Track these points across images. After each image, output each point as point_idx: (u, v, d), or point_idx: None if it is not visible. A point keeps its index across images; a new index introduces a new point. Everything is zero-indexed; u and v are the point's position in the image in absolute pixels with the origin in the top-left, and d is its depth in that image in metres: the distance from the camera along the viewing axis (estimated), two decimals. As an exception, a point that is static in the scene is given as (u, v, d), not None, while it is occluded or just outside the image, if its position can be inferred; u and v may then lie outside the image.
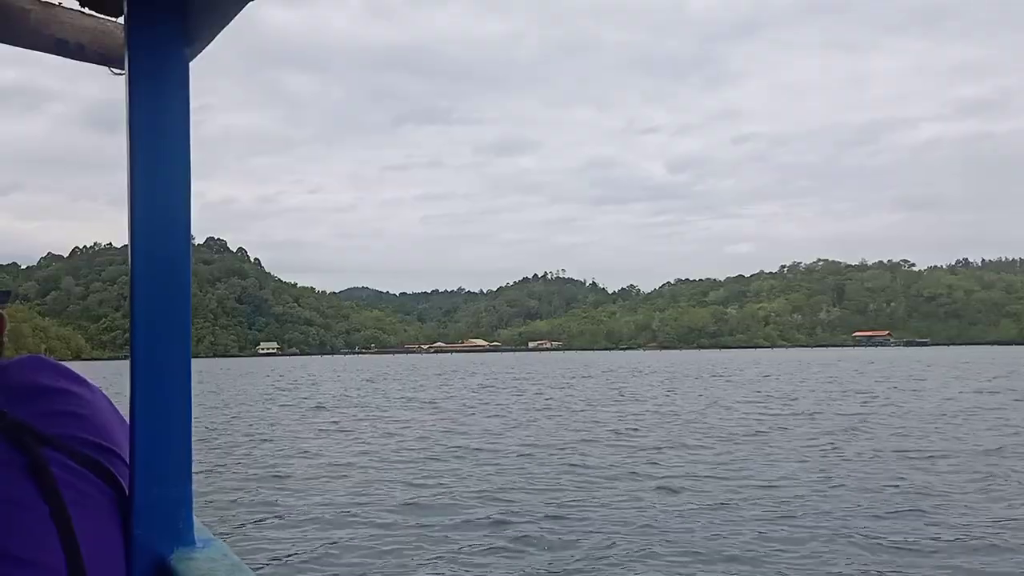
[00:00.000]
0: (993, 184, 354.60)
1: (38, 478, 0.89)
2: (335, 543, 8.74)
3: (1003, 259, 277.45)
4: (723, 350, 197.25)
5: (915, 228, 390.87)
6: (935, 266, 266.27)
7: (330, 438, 19.64)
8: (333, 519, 10.04)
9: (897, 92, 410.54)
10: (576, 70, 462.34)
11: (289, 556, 8.28)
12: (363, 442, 18.43)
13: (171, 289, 1.10)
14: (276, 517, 10.17)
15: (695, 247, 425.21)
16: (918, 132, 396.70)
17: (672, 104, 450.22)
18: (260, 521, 9.93)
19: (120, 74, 1.16)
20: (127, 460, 1.05)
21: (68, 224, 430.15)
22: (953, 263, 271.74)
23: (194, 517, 1.16)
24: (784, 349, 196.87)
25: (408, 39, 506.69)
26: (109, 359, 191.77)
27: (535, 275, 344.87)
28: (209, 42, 1.16)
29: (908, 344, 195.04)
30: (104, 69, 1.38)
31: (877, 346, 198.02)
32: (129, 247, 1.10)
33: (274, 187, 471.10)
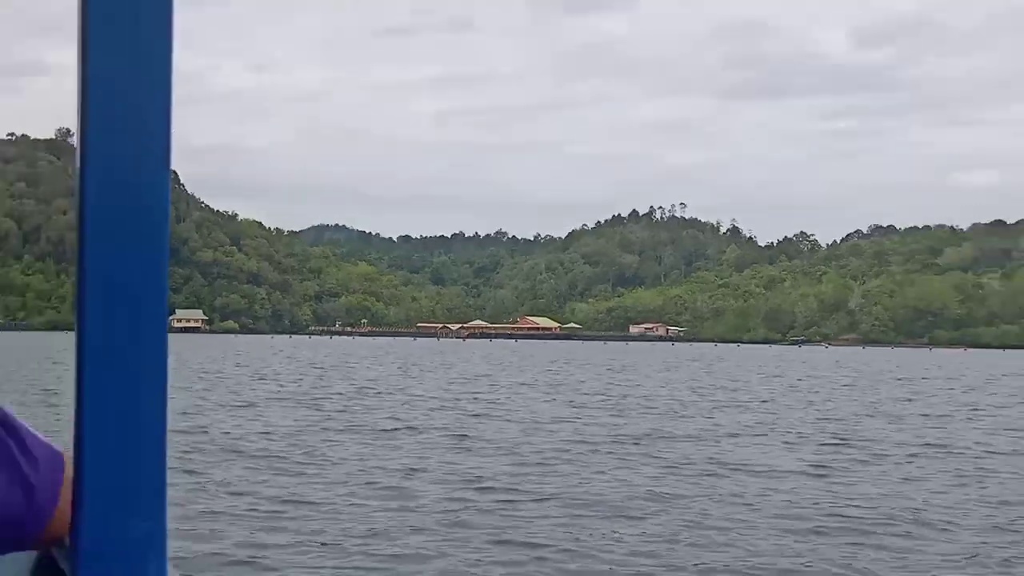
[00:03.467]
0: None
1: None
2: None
3: None
4: (980, 349, 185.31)
5: None
6: None
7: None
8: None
9: None
10: None
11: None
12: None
13: (141, 238, 1.12)
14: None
15: (904, 174, 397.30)
16: None
17: None
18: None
19: None
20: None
21: None
22: None
23: (168, 567, 1.19)
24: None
25: None
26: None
27: (634, 213, 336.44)
28: None
29: None
30: None
31: None
32: (78, 170, 1.10)
33: (200, 59, 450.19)
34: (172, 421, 7.01)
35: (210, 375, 53.61)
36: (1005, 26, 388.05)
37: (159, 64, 1.11)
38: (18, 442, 1.17)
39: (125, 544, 1.13)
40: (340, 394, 42.37)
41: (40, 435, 1.23)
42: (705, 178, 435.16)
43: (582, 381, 58.18)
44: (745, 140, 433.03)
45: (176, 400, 30.98)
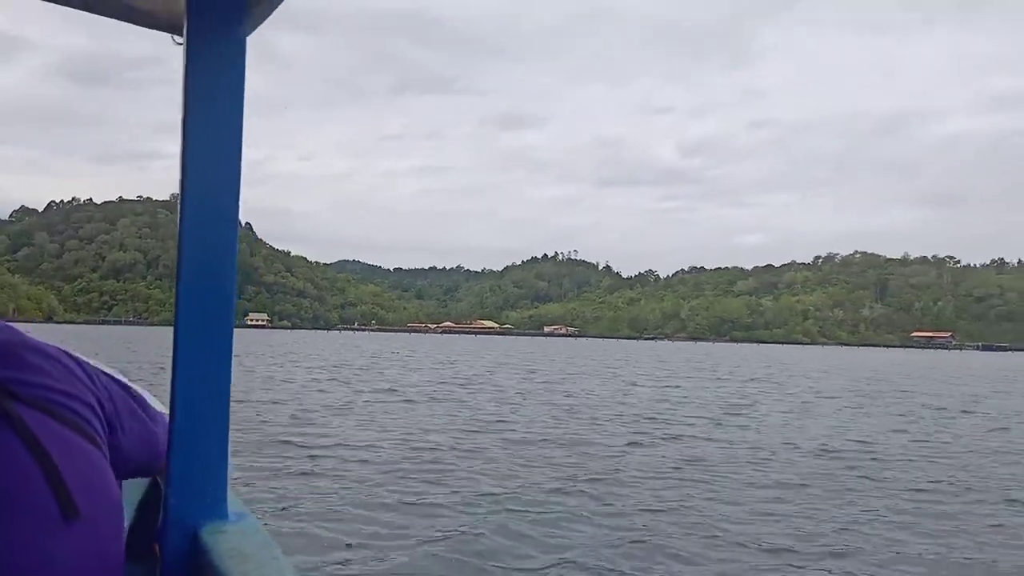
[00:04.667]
0: (1022, 183, 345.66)
1: (15, 430, 0.90)
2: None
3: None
4: (760, 344, 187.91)
5: (940, 225, 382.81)
6: (972, 265, 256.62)
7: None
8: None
9: (927, 82, 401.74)
10: (591, 43, 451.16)
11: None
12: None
13: (217, 263, 1.14)
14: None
15: (705, 235, 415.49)
16: (945, 124, 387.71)
17: (690, 84, 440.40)
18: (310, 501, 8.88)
19: (180, 43, 1.17)
20: (99, 414, 1.06)
21: (43, 179, 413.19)
22: (987, 262, 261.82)
23: (230, 491, 1.20)
24: (825, 347, 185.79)
25: (412, 2, 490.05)
26: (84, 323, 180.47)
27: (544, 255, 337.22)
28: (267, 16, 1.19)
29: (985, 348, 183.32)
30: (162, 35, 1.37)
31: (938, 348, 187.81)
32: (179, 219, 1.14)
33: (263, 151, 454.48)
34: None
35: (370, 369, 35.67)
36: (766, 143, 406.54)
37: (233, 152, 1.14)
38: (141, 404, 1.15)
39: (199, 476, 1.15)
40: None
41: (152, 399, 1.22)
42: (584, 235, 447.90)
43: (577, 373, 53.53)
44: (609, 212, 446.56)
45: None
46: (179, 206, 1.13)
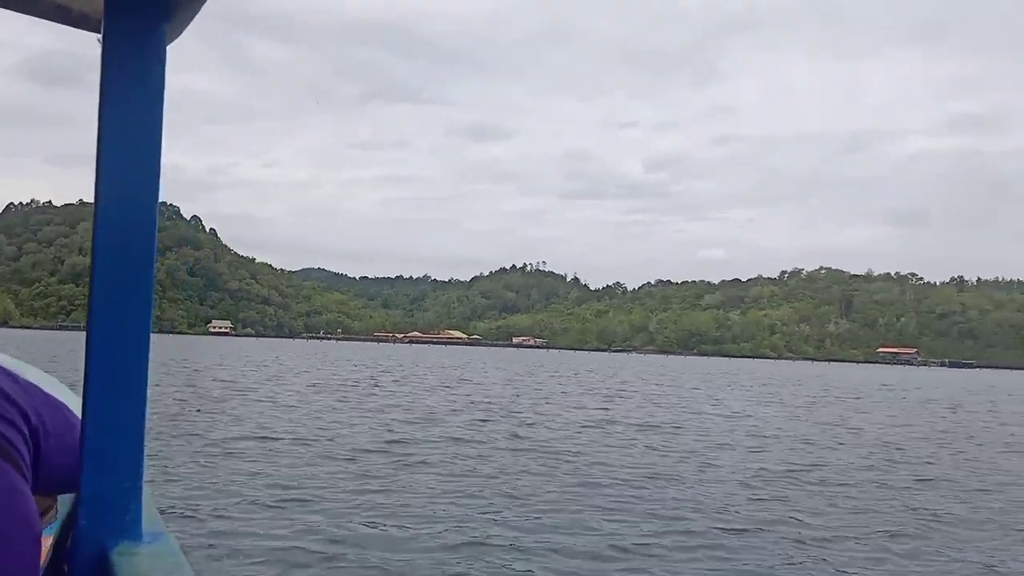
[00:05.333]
0: (982, 203, 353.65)
1: None
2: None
3: (1000, 279, 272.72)
4: (729, 359, 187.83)
5: (901, 243, 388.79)
6: (934, 283, 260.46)
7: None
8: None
9: (889, 102, 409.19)
10: (561, 58, 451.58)
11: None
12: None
13: (135, 266, 1.08)
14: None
15: (671, 248, 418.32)
16: (906, 145, 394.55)
17: (656, 100, 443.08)
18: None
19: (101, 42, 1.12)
20: (21, 429, 1.01)
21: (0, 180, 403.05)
22: (947, 280, 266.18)
23: (147, 508, 1.13)
24: (792, 361, 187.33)
25: (385, 12, 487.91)
26: (41, 328, 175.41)
27: (512, 266, 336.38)
28: (190, 20, 1.15)
29: (952, 365, 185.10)
30: (80, 33, 1.30)
31: (904, 364, 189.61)
32: (93, 219, 1.08)
33: (227, 157, 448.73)
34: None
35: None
36: (730, 160, 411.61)
37: (151, 158, 1.08)
38: (74, 417, 1.11)
39: (111, 494, 1.07)
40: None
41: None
42: (550, 247, 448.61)
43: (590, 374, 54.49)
44: (579, 224, 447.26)
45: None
46: (95, 208, 1.08)
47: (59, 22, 1.29)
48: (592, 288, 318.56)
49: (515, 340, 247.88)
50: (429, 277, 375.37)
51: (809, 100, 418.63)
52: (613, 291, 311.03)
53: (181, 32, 1.16)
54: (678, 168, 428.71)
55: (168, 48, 1.11)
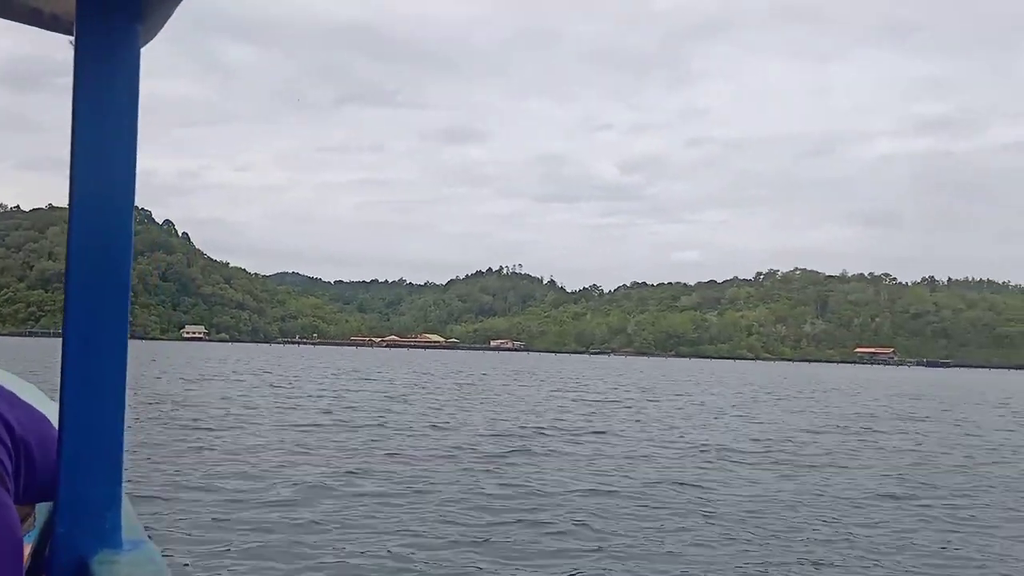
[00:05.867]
0: (952, 203, 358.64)
1: None
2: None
3: (970, 279, 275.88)
4: (707, 360, 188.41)
5: (873, 243, 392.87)
6: (906, 283, 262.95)
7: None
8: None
9: (859, 104, 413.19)
10: (536, 61, 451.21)
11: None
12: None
13: (110, 271, 1.06)
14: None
15: (647, 250, 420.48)
16: (875, 146, 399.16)
17: (630, 102, 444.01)
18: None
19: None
20: (4, 440, 1.01)
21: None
22: (919, 280, 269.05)
23: (127, 516, 1.13)
24: (770, 362, 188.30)
25: (358, 15, 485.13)
26: (9, 335, 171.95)
27: (489, 269, 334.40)
28: (164, 21, 1.14)
29: (930, 365, 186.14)
30: (50, 35, 1.27)
31: (881, 364, 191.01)
32: (68, 224, 1.06)
33: (199, 161, 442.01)
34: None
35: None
36: (704, 162, 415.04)
37: (125, 162, 1.07)
38: (50, 425, 1.10)
39: (90, 501, 1.06)
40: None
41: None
42: (527, 250, 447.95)
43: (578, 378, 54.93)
44: (555, 226, 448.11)
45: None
46: (68, 216, 1.06)
47: (31, 24, 1.27)
48: (568, 291, 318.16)
49: (492, 343, 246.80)
50: (405, 281, 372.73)
51: (781, 102, 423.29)
52: (589, 293, 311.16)
53: (155, 34, 1.15)
54: (653, 170, 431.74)
55: (142, 51, 1.11)
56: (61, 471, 1.05)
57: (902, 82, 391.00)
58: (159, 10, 1.09)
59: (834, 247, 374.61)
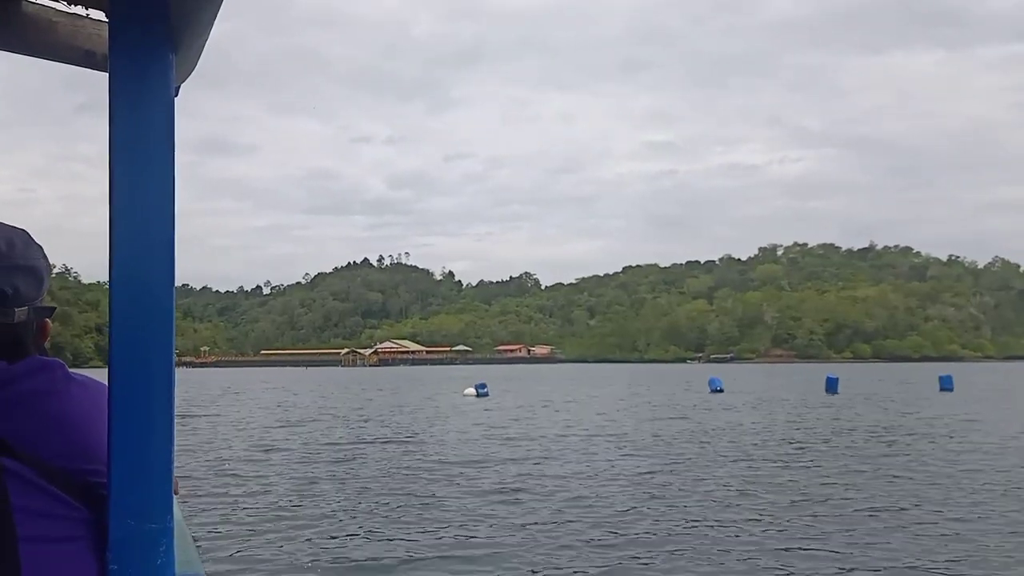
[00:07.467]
0: (680, 215, 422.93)
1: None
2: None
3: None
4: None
5: (617, 255, 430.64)
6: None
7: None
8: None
9: (600, 129, 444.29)
10: (300, 80, 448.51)
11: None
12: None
13: (154, 303, 1.07)
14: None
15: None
16: (615, 167, 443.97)
17: (396, 123, 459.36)
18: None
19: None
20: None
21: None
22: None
23: (183, 549, 1.13)
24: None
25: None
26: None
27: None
28: (196, 61, 1.16)
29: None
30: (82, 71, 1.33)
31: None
32: (109, 261, 1.07)
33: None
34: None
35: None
36: (465, 179, 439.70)
37: (166, 181, 1.08)
38: None
39: (142, 537, 1.06)
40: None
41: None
42: (298, 262, 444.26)
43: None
44: (325, 242, 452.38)
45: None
46: (109, 253, 1.06)
47: (64, 62, 1.28)
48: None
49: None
50: (210, 289, 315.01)
51: (533, 127, 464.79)
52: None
53: (192, 68, 1.17)
54: (419, 186, 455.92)
55: (181, 87, 1.12)
56: (111, 506, 1.05)
57: (636, 111, 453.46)
58: (191, 40, 1.11)
59: (587, 257, 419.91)
